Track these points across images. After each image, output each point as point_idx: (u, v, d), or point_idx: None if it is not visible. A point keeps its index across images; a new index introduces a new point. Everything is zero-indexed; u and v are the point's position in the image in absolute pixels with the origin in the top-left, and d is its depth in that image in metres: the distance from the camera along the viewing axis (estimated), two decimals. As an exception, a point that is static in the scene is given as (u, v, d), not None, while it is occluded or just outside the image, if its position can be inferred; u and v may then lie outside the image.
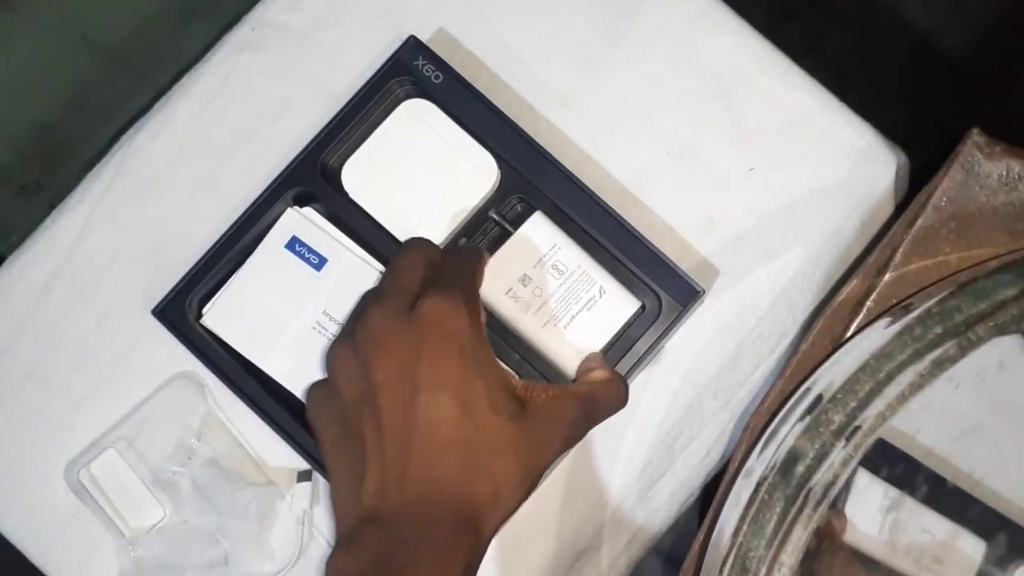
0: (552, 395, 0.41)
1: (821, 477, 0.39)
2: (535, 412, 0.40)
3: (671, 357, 0.49)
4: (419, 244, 0.45)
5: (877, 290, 0.45)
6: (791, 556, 0.39)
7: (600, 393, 0.43)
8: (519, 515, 0.48)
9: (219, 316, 0.47)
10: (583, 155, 0.50)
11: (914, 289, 0.45)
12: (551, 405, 0.41)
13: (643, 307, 0.46)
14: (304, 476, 0.49)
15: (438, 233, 0.47)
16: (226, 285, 0.47)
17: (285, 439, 0.46)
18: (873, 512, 0.43)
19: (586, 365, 0.46)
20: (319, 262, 0.47)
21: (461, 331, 0.39)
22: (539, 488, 0.48)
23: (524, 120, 0.47)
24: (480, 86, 0.48)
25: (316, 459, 0.46)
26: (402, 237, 0.47)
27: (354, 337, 0.40)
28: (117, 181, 0.51)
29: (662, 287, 0.46)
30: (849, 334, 0.45)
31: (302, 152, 0.47)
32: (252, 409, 0.47)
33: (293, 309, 0.47)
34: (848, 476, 0.39)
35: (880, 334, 0.42)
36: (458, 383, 0.38)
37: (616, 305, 0.46)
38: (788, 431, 0.41)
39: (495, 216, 0.47)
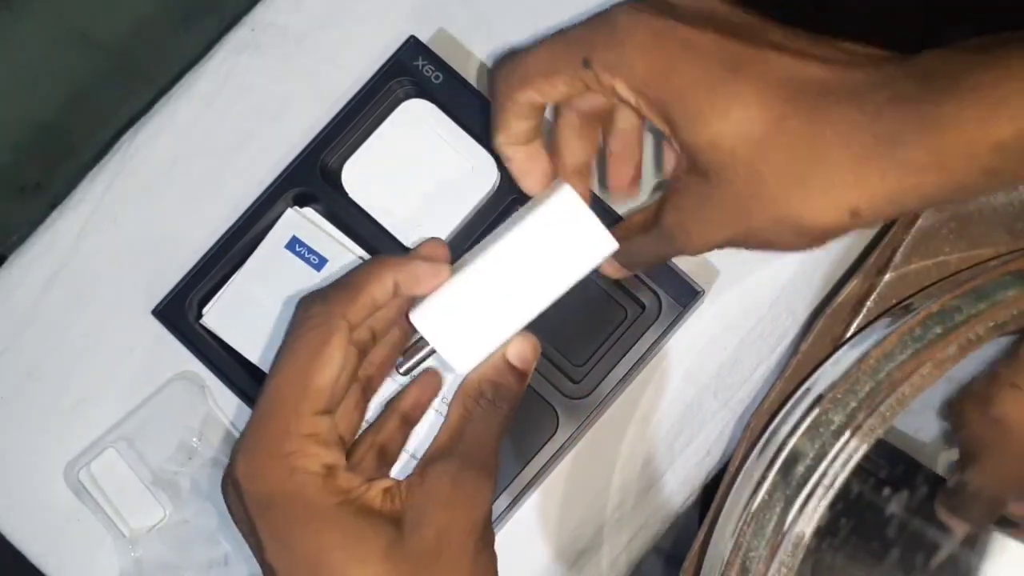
0: (428, 482, 0.36)
1: (821, 477, 0.39)
2: (414, 519, 0.35)
3: (671, 357, 0.49)
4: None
5: (877, 290, 0.45)
6: (791, 556, 0.39)
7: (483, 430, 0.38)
8: (519, 515, 0.48)
9: (219, 316, 0.47)
10: (583, 155, 0.50)
11: (914, 289, 0.45)
12: (432, 493, 0.36)
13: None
14: (304, 476, 0.49)
15: (437, 233, 0.47)
16: (226, 285, 0.47)
17: (285, 439, 0.46)
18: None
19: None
20: (319, 262, 0.47)
21: None
22: (540, 487, 0.48)
23: (524, 120, 0.47)
24: (480, 87, 0.48)
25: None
26: (402, 237, 0.47)
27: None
28: (117, 181, 0.51)
29: (662, 287, 0.46)
30: (849, 334, 0.45)
31: (302, 152, 0.47)
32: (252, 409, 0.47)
33: (293, 309, 0.47)
34: (848, 476, 0.39)
35: (880, 334, 0.42)
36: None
37: None
38: (788, 431, 0.41)
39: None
